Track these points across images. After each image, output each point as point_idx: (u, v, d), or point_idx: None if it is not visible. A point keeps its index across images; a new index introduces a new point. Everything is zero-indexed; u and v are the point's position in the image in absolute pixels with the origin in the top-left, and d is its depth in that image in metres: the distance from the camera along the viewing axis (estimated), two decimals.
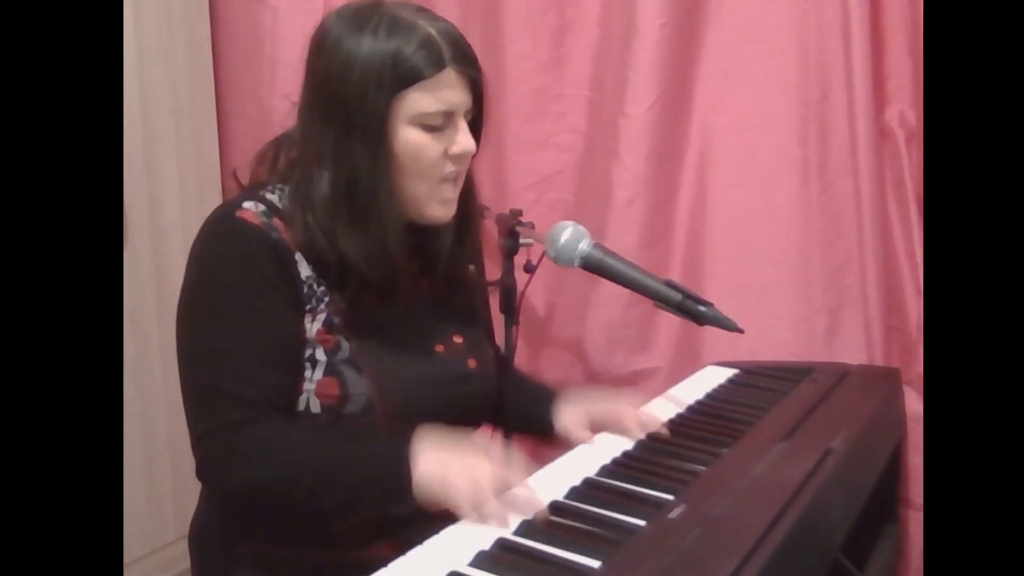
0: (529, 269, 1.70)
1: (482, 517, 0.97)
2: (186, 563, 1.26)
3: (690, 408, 1.38)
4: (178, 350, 1.12)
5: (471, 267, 1.32)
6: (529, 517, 0.97)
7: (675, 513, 0.97)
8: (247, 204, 1.11)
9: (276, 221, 1.11)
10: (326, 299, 1.12)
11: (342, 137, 1.09)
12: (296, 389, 1.11)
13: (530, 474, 1.07)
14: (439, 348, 1.21)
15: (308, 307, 1.11)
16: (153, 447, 1.88)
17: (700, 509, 0.97)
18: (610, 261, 1.25)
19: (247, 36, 1.99)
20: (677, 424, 1.30)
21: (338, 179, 1.10)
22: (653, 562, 0.86)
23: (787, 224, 1.72)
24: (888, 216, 1.69)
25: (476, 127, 1.16)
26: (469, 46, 1.12)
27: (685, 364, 1.76)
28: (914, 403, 1.57)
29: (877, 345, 1.67)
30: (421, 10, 1.12)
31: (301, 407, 1.11)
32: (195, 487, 1.18)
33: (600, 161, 1.80)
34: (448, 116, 1.11)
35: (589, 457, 1.16)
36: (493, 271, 1.68)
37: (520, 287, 1.72)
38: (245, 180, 1.21)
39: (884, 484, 1.41)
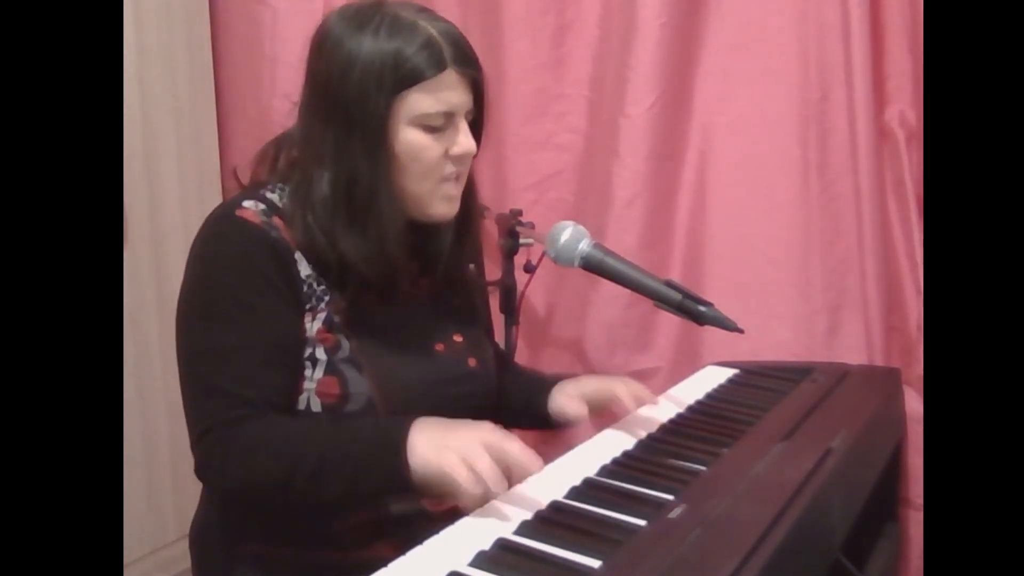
0: (529, 269, 1.71)
1: (476, 476, 0.96)
2: (186, 563, 1.26)
3: (690, 408, 1.38)
4: (178, 349, 1.12)
5: (471, 267, 1.32)
6: (524, 477, 0.99)
7: (675, 513, 0.97)
8: (247, 203, 1.11)
9: (276, 220, 1.11)
10: (326, 298, 1.12)
11: (342, 137, 1.09)
12: (296, 389, 1.11)
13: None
14: (439, 347, 1.21)
15: (308, 306, 1.11)
16: (153, 447, 1.88)
17: (700, 509, 0.97)
18: (610, 261, 1.25)
19: (247, 36, 1.98)
20: (677, 424, 1.30)
21: (338, 179, 1.10)
22: (653, 562, 0.86)
23: (787, 224, 1.72)
24: (888, 216, 1.69)
25: (477, 128, 1.16)
26: (470, 47, 1.12)
27: (685, 364, 1.76)
28: (914, 403, 1.57)
29: (877, 345, 1.67)
30: (422, 10, 1.13)
31: (302, 406, 1.11)
32: (195, 487, 1.18)
33: (600, 161, 1.79)
34: (449, 117, 1.11)
35: (589, 457, 1.16)
36: (493, 271, 1.69)
37: (520, 287, 1.73)
38: (245, 179, 1.21)
39: (884, 484, 1.41)
